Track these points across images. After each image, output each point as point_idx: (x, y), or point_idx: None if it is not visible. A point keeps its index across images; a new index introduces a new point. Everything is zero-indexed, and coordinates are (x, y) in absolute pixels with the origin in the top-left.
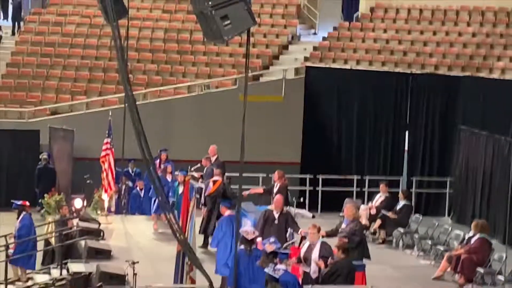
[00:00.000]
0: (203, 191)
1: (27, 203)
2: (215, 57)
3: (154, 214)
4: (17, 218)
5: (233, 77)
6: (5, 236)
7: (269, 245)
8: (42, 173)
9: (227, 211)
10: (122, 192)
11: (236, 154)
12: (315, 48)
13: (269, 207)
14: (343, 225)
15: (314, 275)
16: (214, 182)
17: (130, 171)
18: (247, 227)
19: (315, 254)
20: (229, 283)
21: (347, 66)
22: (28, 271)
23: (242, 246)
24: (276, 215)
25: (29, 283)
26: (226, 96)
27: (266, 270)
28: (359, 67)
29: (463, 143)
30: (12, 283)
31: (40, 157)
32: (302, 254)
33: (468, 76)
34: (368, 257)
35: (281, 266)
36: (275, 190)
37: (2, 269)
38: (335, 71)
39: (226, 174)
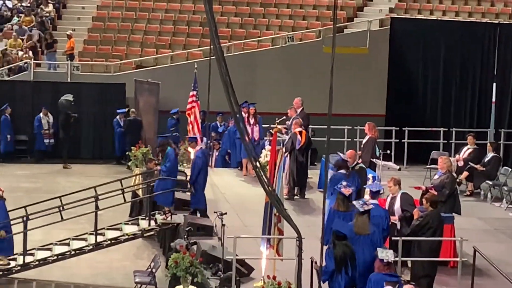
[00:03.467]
0: (289, 143)
1: (2, 189)
2: (299, 9)
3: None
4: None
5: (317, 29)
6: None
7: (346, 189)
8: (129, 126)
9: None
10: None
11: (319, 106)
12: None
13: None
14: (435, 177)
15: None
16: (300, 133)
17: (218, 124)
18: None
19: (397, 205)
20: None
21: (433, 17)
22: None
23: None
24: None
25: (12, 264)
26: (310, 48)
27: (355, 203)
28: (445, 18)
29: None
30: None
31: (127, 110)
32: (386, 207)
33: None
34: (458, 212)
35: (372, 201)
36: (364, 141)
37: None
38: (420, 22)
39: (311, 126)
